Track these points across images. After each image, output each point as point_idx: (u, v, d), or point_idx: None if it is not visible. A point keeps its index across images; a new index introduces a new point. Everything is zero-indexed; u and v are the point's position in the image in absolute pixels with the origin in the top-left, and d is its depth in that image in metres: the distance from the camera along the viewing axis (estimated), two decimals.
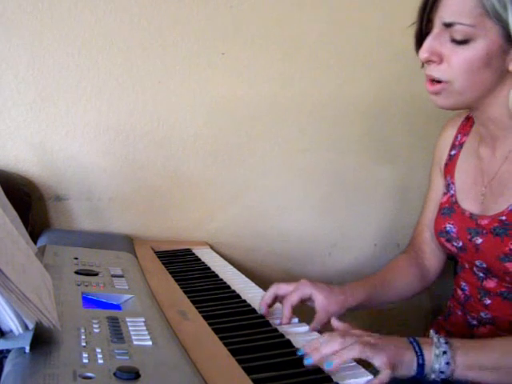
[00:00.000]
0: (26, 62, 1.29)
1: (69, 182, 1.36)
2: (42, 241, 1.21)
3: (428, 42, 0.93)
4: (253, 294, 1.07)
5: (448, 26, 0.90)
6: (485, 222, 1.01)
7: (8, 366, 0.62)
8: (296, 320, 0.97)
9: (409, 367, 0.79)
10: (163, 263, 1.23)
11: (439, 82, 0.94)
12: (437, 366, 0.80)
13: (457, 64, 0.91)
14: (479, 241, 1.02)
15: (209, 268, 1.25)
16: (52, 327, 0.66)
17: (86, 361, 0.62)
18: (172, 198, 1.45)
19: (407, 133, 1.64)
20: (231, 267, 1.29)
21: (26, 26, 1.27)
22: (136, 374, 0.61)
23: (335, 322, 0.88)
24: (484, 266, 1.02)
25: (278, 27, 1.47)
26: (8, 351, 0.65)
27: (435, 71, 0.93)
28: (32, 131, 1.32)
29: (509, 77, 0.93)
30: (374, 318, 1.63)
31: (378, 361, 0.76)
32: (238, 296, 1.06)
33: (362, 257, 1.65)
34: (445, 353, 0.80)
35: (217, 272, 1.21)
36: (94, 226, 1.40)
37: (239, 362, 0.75)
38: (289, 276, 1.56)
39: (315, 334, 0.91)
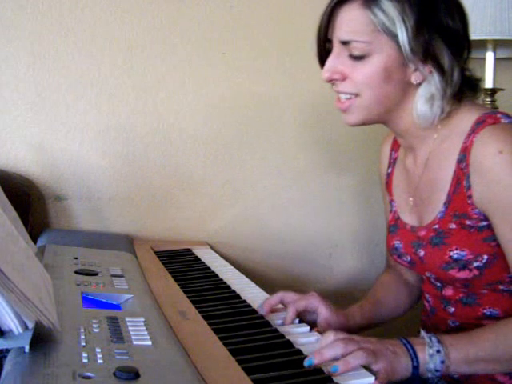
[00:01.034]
0: (26, 62, 1.29)
1: (69, 181, 1.37)
2: (41, 241, 1.21)
3: (329, 62, 0.96)
4: (253, 295, 1.07)
5: (345, 43, 0.93)
6: (423, 233, 1.01)
7: (8, 366, 0.62)
8: (296, 321, 0.97)
9: (405, 370, 0.81)
10: (163, 263, 1.23)
11: (348, 98, 0.96)
12: (431, 366, 0.81)
13: (359, 79, 0.93)
14: (422, 253, 1.02)
15: (209, 268, 1.25)
16: (51, 327, 0.66)
17: (85, 360, 0.62)
18: (172, 197, 1.46)
19: None
20: (231, 267, 1.29)
21: (27, 27, 1.28)
22: (135, 374, 0.61)
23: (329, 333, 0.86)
24: (434, 276, 1.03)
25: (278, 27, 1.47)
26: (8, 351, 0.65)
27: (342, 87, 0.96)
28: (32, 131, 1.32)
29: (412, 89, 0.94)
30: None
31: (377, 366, 0.78)
32: (238, 296, 1.06)
33: (362, 257, 1.65)
34: (438, 352, 0.82)
35: (217, 272, 1.21)
36: (93, 225, 1.40)
37: (239, 362, 0.75)
38: (289, 276, 1.56)
39: (315, 334, 0.91)
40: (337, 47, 0.95)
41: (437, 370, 0.82)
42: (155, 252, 1.33)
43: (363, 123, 0.99)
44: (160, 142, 1.42)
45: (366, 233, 1.66)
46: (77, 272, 0.98)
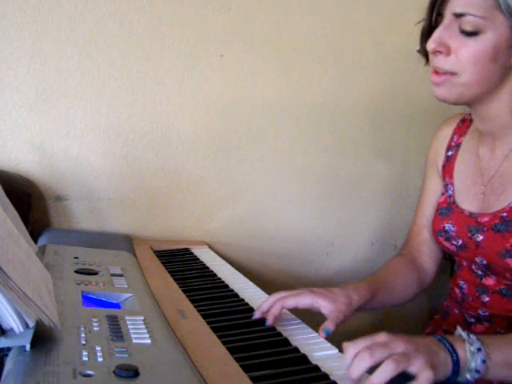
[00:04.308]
0: (26, 63, 1.29)
1: (69, 182, 1.37)
2: (42, 240, 1.22)
3: (437, 33, 0.92)
4: (250, 293, 1.08)
5: (458, 16, 0.89)
6: (485, 219, 1.01)
7: (9, 364, 0.62)
8: (294, 318, 0.97)
9: (445, 368, 0.73)
10: (162, 262, 1.23)
11: (445, 73, 0.93)
12: (473, 365, 0.74)
13: (465, 56, 0.90)
14: (480, 238, 1.01)
15: (207, 267, 1.25)
16: (52, 325, 0.67)
17: (85, 359, 0.63)
18: (171, 198, 1.46)
19: (403, 132, 1.65)
20: (229, 266, 1.30)
21: (27, 29, 1.28)
22: (135, 372, 0.61)
23: (347, 346, 0.76)
24: (484, 262, 1.02)
25: (276, 29, 1.48)
26: (9, 349, 0.65)
27: (442, 62, 0.92)
28: (32, 132, 1.33)
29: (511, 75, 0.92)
30: (372, 317, 1.64)
31: (415, 366, 0.69)
32: (236, 295, 1.07)
33: (359, 256, 1.66)
34: (479, 350, 0.74)
35: (215, 271, 1.22)
36: (93, 225, 1.40)
37: (237, 360, 0.76)
38: (286, 275, 1.57)
39: (323, 342, 0.88)
40: (448, 19, 0.91)
41: (477, 371, 0.74)
42: (154, 251, 1.34)
43: (456, 101, 0.96)
44: (159, 142, 1.42)
45: (362, 232, 1.66)
46: (77, 271, 0.98)
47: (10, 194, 1.08)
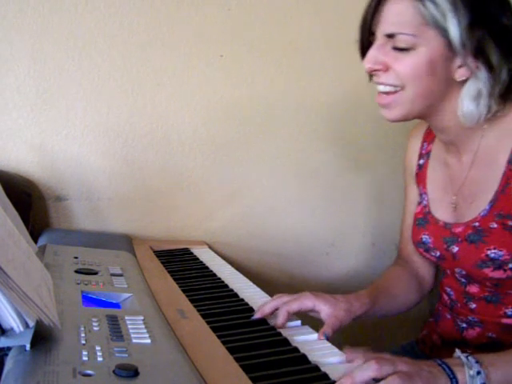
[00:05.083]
0: (26, 64, 1.30)
1: (69, 182, 1.37)
2: (42, 240, 1.22)
3: (371, 53, 0.93)
4: (250, 293, 1.08)
5: (390, 36, 0.90)
6: (459, 229, 1.01)
7: (9, 364, 0.62)
8: (298, 322, 0.96)
9: None
10: (162, 262, 1.23)
11: (390, 93, 0.94)
12: None
13: (402, 70, 0.91)
14: (455, 249, 1.01)
15: (207, 267, 1.26)
16: (52, 325, 0.67)
17: (85, 358, 0.63)
18: (171, 198, 1.46)
19: (404, 131, 1.65)
20: (229, 266, 1.30)
21: (27, 29, 1.28)
22: (135, 372, 0.61)
23: (350, 354, 0.80)
24: (463, 272, 1.02)
25: (275, 30, 1.48)
26: (9, 349, 0.65)
27: (384, 78, 0.93)
28: (33, 132, 1.33)
29: (455, 86, 0.92)
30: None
31: None
32: (236, 295, 1.07)
33: (359, 256, 1.66)
34: (479, 373, 0.75)
35: (215, 271, 1.22)
36: (93, 225, 1.41)
37: (237, 359, 0.76)
38: (286, 275, 1.57)
39: (323, 342, 0.89)
40: (380, 39, 0.92)
41: None
42: (154, 251, 1.34)
43: (405, 118, 0.97)
44: (159, 142, 1.42)
45: (363, 232, 1.66)
46: (77, 271, 0.98)
47: (10, 194, 1.08)
